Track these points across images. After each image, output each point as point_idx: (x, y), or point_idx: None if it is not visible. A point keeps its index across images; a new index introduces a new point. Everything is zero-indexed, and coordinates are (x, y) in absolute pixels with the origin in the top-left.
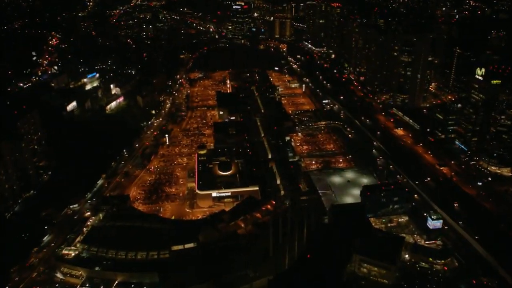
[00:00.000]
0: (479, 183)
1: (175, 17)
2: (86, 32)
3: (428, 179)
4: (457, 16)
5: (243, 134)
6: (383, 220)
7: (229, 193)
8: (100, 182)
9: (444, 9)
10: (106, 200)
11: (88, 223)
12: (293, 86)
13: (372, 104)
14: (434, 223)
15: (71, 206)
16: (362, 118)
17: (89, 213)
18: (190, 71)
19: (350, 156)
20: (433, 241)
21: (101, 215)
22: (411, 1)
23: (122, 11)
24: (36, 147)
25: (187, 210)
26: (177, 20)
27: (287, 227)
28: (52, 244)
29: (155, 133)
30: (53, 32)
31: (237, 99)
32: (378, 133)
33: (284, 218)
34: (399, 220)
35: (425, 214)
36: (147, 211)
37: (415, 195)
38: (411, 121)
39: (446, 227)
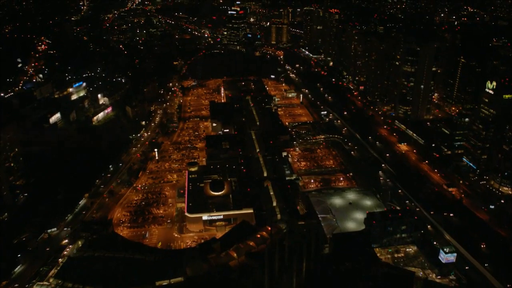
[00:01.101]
0: (492, 206)
1: (169, 22)
2: (77, 37)
3: (451, 214)
4: (456, 23)
5: (237, 149)
6: (389, 250)
7: (221, 216)
8: (82, 202)
9: (442, 15)
10: (86, 226)
11: (65, 252)
12: (290, 95)
13: (373, 116)
14: (447, 257)
15: (48, 230)
16: (364, 132)
17: (66, 241)
18: (183, 79)
19: (351, 174)
20: (446, 277)
21: (80, 242)
22: (409, 7)
23: (116, 15)
24: (12, 164)
25: (176, 235)
26: (172, 25)
27: (284, 258)
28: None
29: (146, 143)
30: (42, 37)
31: (232, 110)
32: (388, 155)
33: (281, 247)
34: (407, 249)
35: (435, 242)
36: (132, 236)
37: (428, 226)
38: (414, 135)
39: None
